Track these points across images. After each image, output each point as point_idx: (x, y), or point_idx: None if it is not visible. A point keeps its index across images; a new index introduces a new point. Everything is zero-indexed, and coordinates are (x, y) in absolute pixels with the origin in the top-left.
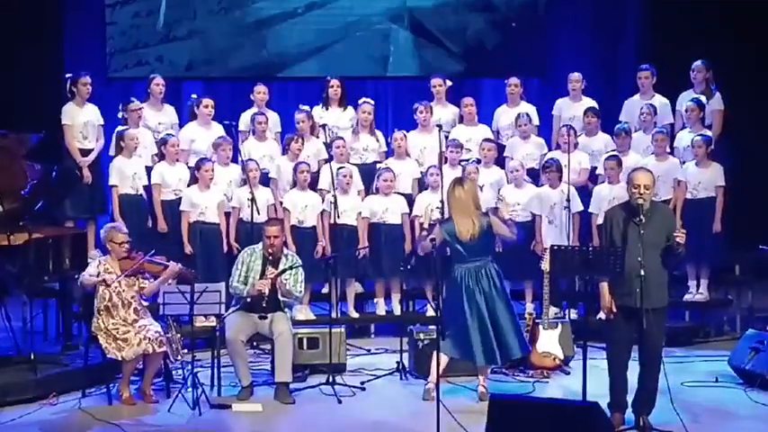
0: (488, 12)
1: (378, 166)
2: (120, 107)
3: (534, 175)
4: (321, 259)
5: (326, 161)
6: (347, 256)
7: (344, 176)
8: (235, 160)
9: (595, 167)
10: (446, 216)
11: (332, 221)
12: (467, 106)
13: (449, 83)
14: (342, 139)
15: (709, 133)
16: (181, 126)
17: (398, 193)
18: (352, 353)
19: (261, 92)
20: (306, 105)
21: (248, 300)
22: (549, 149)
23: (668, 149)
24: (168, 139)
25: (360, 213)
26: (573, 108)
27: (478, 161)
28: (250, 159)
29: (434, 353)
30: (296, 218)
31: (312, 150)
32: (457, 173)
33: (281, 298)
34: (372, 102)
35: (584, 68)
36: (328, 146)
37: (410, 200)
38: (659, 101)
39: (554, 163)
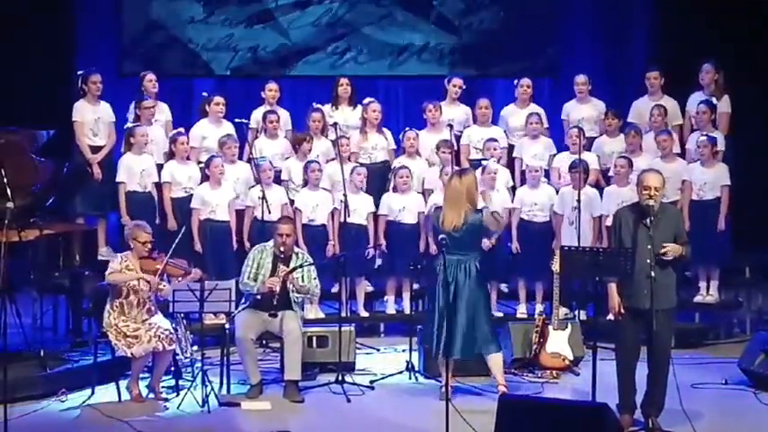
0: (501, 11)
1: (393, 165)
2: (133, 105)
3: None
4: (331, 258)
5: (334, 159)
6: (357, 255)
7: (358, 175)
8: (243, 158)
9: (608, 169)
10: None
11: (342, 220)
12: (481, 108)
13: (463, 85)
14: (347, 138)
15: (715, 134)
16: (176, 123)
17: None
18: (361, 352)
19: (272, 90)
20: (319, 104)
21: (258, 297)
22: (559, 151)
23: (677, 150)
24: (178, 137)
25: (371, 212)
26: (580, 110)
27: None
28: (263, 158)
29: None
30: (307, 216)
31: (321, 149)
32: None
33: (294, 295)
34: (378, 101)
35: (592, 70)
36: (335, 144)
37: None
38: (668, 102)
39: (580, 164)
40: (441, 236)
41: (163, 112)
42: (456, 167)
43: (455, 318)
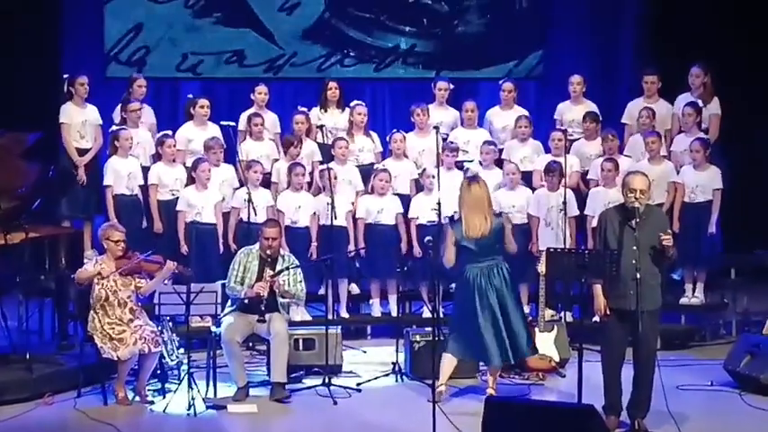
0: (488, 14)
1: (376, 166)
2: (120, 107)
3: (529, 179)
4: (316, 260)
5: (321, 162)
6: (341, 257)
7: (334, 178)
8: (230, 160)
9: (587, 171)
10: (455, 217)
11: (328, 223)
12: (468, 111)
13: (451, 86)
14: (344, 139)
15: (706, 137)
16: (161, 126)
17: (396, 194)
18: (348, 354)
19: (261, 92)
20: (303, 107)
21: (245, 301)
22: (547, 152)
23: (664, 153)
24: (165, 139)
25: (350, 214)
26: (573, 111)
27: (480, 163)
28: (253, 161)
29: (442, 354)
30: (289, 218)
31: (306, 152)
32: (453, 175)
33: (279, 299)
34: (365, 104)
35: (582, 71)
36: (325, 147)
37: (407, 201)
38: (662, 106)
39: (557, 166)
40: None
41: (148, 116)
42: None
43: (511, 322)
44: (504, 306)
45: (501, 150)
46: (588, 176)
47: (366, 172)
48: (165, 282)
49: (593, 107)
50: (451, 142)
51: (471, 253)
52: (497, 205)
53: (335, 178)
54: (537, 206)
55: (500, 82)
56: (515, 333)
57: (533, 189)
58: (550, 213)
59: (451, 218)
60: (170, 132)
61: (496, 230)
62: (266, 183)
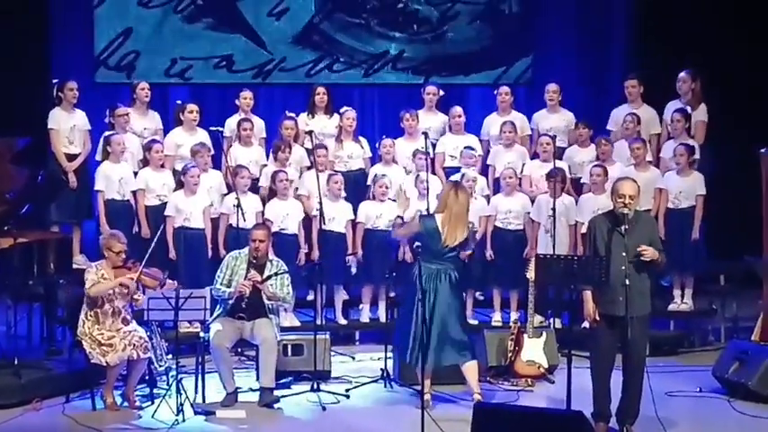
0: (477, 20)
1: (374, 172)
2: (108, 112)
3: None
4: (306, 266)
5: (309, 168)
6: (335, 263)
7: (336, 183)
8: (218, 166)
9: (579, 178)
10: (428, 212)
11: (318, 228)
12: (455, 116)
13: (441, 92)
14: (324, 147)
15: (691, 142)
16: (166, 132)
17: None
18: (336, 360)
19: (247, 98)
20: (292, 113)
21: (230, 302)
22: (534, 158)
23: (650, 159)
24: (152, 145)
25: (350, 220)
26: (549, 120)
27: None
28: (240, 166)
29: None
30: (278, 225)
31: (295, 157)
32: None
33: (266, 302)
34: (354, 109)
35: (568, 78)
36: (311, 153)
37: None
38: (646, 111)
39: (558, 173)
40: (416, 243)
41: (154, 121)
42: (432, 175)
43: (432, 326)
44: (437, 312)
45: (486, 156)
46: (582, 181)
47: (355, 178)
48: (154, 290)
49: (569, 116)
50: (421, 148)
51: (430, 252)
52: (493, 210)
53: (338, 185)
54: (538, 212)
55: (495, 90)
56: (447, 339)
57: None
58: (550, 220)
59: (423, 214)
60: (157, 137)
61: (464, 240)
62: (255, 188)
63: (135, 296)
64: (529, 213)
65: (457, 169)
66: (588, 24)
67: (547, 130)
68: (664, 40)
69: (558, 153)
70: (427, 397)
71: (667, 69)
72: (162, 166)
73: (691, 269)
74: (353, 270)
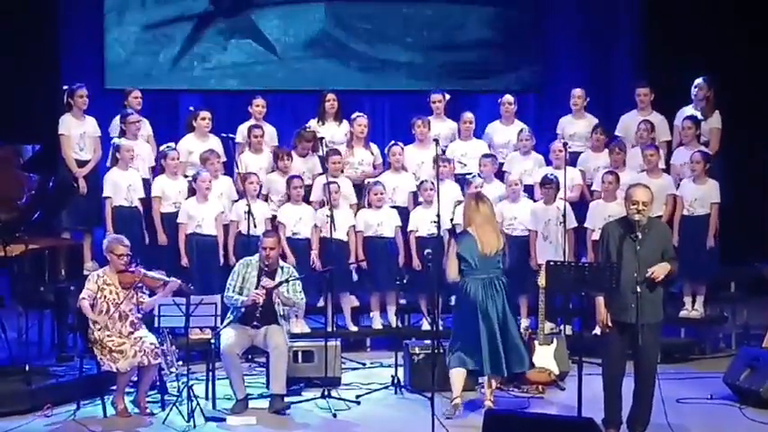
0: (487, 27)
1: (366, 181)
2: (118, 119)
3: (531, 192)
4: (316, 272)
5: (320, 175)
6: (337, 270)
7: (334, 191)
8: (230, 173)
9: (591, 183)
10: (457, 230)
11: (327, 235)
12: (465, 123)
13: (447, 97)
14: (338, 153)
15: (707, 150)
16: (175, 138)
17: (395, 206)
18: (347, 366)
19: (259, 104)
20: (309, 126)
21: (243, 310)
22: (548, 165)
23: (662, 166)
24: (168, 152)
25: (352, 227)
26: (575, 125)
27: (478, 175)
28: (250, 173)
29: (450, 372)
30: (290, 230)
31: (308, 165)
32: (449, 186)
33: (277, 308)
34: (365, 116)
35: (580, 83)
36: (323, 159)
37: (406, 213)
38: (656, 118)
39: (553, 179)
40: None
41: (145, 128)
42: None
43: (509, 335)
44: (503, 320)
45: (501, 164)
46: (592, 188)
47: (367, 185)
48: (158, 290)
49: (594, 121)
50: (443, 154)
51: (471, 267)
52: (500, 216)
53: (337, 192)
54: (534, 220)
55: (499, 100)
56: (513, 347)
57: (535, 202)
58: (548, 227)
59: (453, 231)
60: (173, 145)
61: (504, 246)
62: (307, 198)
63: (140, 299)
64: None
65: (466, 176)
66: (597, 30)
67: (572, 135)
68: (671, 45)
69: (575, 158)
70: (458, 401)
71: (675, 75)
72: (176, 173)
73: (703, 277)
74: (355, 277)
